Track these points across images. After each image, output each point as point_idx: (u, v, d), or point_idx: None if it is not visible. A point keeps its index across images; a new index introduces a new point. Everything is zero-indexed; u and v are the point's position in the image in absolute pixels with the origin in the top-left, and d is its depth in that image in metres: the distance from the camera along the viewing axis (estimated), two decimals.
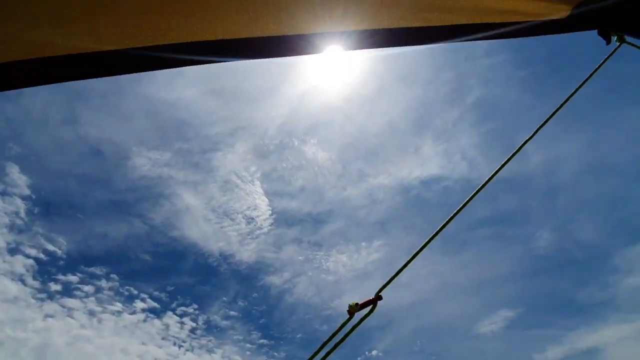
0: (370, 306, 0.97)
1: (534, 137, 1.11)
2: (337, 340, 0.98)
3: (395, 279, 1.02)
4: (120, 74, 0.97)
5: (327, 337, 1.00)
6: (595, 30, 0.94)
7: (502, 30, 0.94)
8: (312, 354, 0.94)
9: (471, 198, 1.06)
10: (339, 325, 1.01)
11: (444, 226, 1.04)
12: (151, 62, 0.94)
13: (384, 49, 0.98)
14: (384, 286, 0.98)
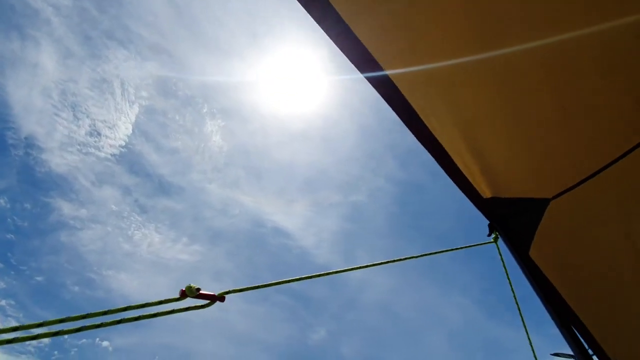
0: (208, 301, 0.93)
1: (372, 266, 1.35)
2: (153, 312, 0.89)
3: (241, 292, 1.02)
4: None
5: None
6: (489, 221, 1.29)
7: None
8: (126, 317, 0.84)
9: (318, 276, 1.19)
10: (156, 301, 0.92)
11: (316, 276, 1.12)
12: None
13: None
14: (235, 291, 0.97)
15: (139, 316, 0.89)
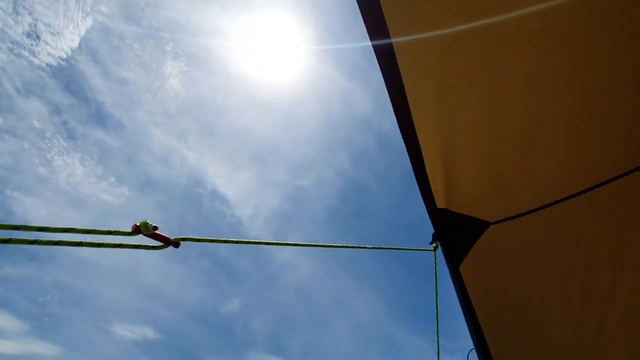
0: (162, 243, 0.90)
1: (324, 247, 1.42)
2: (97, 242, 0.83)
3: (197, 243, 1.00)
4: None
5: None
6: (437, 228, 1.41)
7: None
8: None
9: (268, 244, 1.21)
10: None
11: (267, 243, 1.13)
12: None
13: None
14: (191, 240, 0.94)
15: (82, 242, 0.83)
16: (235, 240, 1.02)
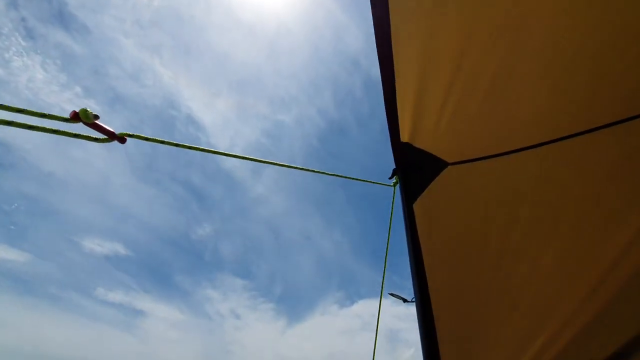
0: (107, 136, 0.84)
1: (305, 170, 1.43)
2: (30, 124, 0.77)
3: (150, 142, 0.95)
4: None
5: None
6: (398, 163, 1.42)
7: None
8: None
9: (235, 157, 1.18)
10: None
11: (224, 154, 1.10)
12: None
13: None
14: (138, 137, 0.89)
15: (13, 122, 0.76)
16: (188, 145, 0.99)
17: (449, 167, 1.37)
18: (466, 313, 1.81)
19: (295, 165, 1.36)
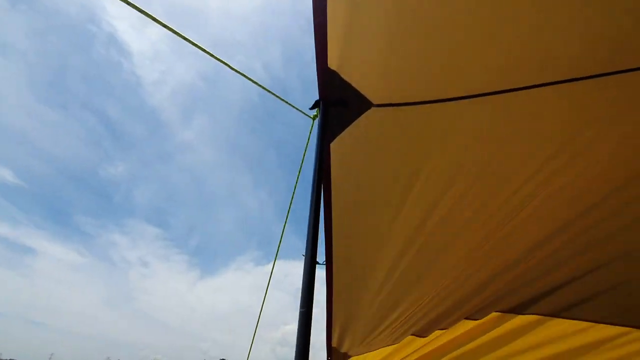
0: None
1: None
2: None
3: None
4: None
5: None
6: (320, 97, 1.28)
7: None
8: None
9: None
10: None
11: None
12: None
13: None
14: None
15: None
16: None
17: (373, 108, 1.28)
18: (356, 275, 1.82)
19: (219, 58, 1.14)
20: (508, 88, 1.13)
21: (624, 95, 1.05)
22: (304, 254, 0.95)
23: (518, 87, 1.12)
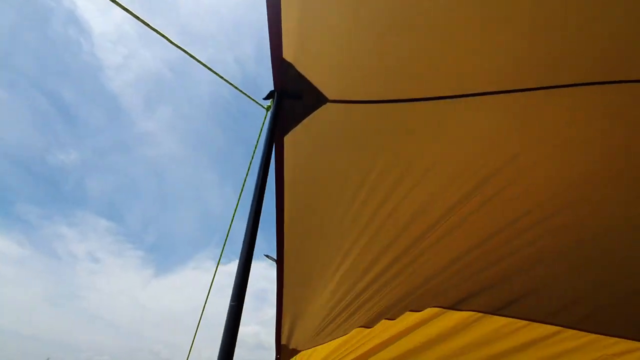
0: None
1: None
2: None
3: None
4: None
5: None
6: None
7: None
8: None
9: None
10: None
11: None
12: None
13: None
14: None
15: None
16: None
17: (328, 103, 1.27)
18: (306, 272, 1.82)
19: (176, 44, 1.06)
20: (461, 93, 1.17)
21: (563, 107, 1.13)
22: (241, 246, 0.91)
23: (470, 93, 1.16)
